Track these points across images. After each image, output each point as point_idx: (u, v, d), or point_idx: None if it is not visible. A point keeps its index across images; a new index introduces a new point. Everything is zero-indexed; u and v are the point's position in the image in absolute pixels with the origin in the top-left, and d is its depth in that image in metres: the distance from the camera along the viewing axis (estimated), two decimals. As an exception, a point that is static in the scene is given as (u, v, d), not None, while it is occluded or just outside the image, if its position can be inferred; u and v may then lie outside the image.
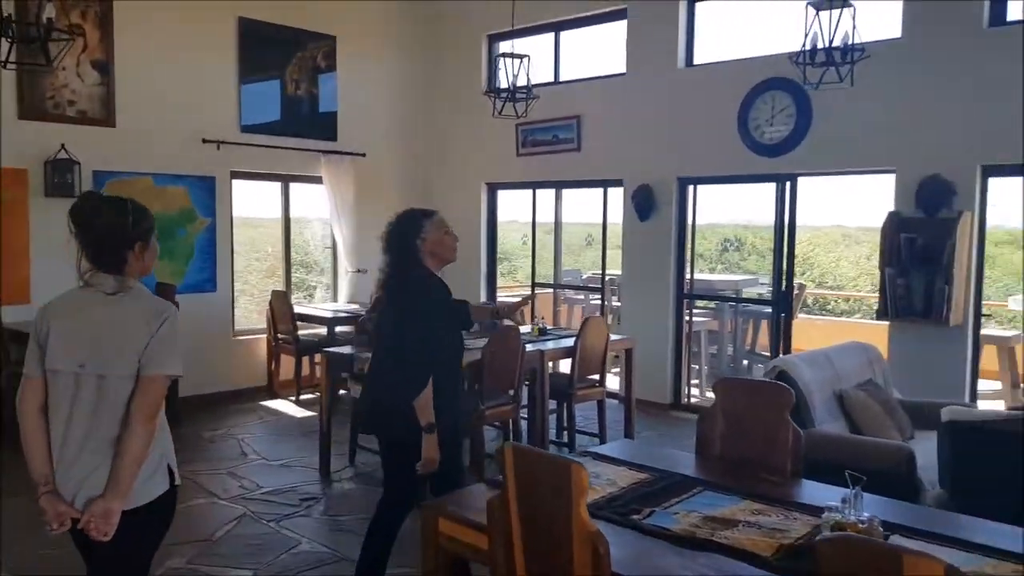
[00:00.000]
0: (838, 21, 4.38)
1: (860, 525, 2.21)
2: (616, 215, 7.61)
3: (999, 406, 6.47)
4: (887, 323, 5.93)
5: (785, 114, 6.33)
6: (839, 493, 2.73)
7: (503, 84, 6.42)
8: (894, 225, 5.75)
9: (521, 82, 6.28)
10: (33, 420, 2.26)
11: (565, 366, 5.92)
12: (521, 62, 6.34)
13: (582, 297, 9.62)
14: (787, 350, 6.50)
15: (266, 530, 4.57)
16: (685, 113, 6.98)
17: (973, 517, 2.48)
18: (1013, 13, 5.39)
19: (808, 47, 4.55)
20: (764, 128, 6.46)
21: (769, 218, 6.60)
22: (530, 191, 8.47)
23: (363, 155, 8.44)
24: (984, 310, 5.91)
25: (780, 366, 4.55)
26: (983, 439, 3.28)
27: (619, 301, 7.64)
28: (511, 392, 5.31)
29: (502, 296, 9.30)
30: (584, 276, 9.92)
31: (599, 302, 8.41)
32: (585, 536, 2.05)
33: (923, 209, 5.67)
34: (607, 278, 8.13)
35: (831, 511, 2.30)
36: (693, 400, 7.40)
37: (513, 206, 8.97)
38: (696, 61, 7.07)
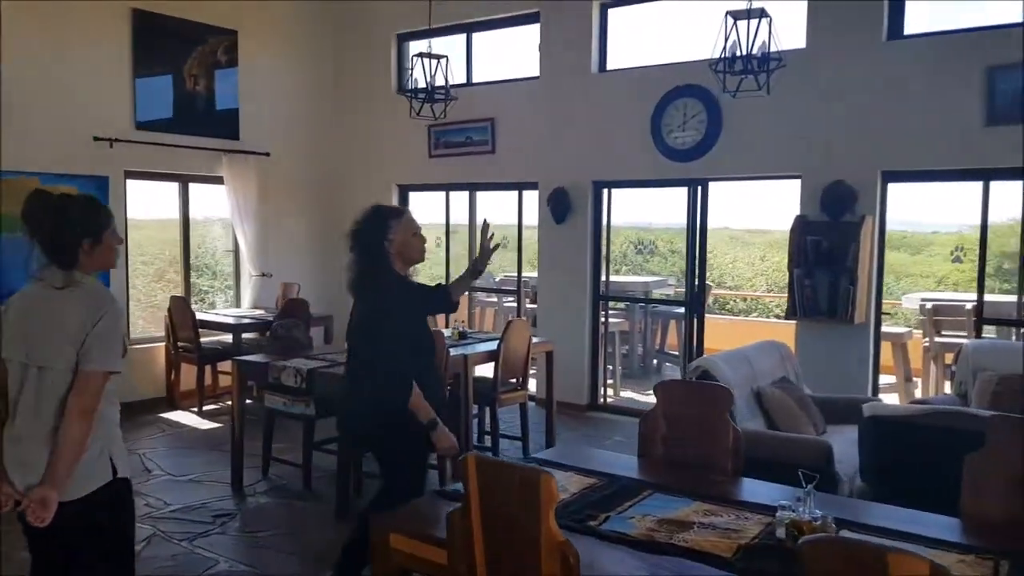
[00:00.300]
0: (756, 31, 4.51)
1: (814, 523, 2.25)
2: (532, 217, 7.61)
3: (895, 399, 6.83)
4: (793, 322, 6.15)
5: (697, 120, 6.49)
6: (780, 490, 2.80)
7: (421, 84, 6.30)
8: (801, 228, 5.98)
9: (439, 83, 6.18)
10: None
11: (483, 370, 5.86)
12: (439, 63, 6.25)
13: (495, 300, 9.59)
14: (700, 349, 6.66)
15: (179, 550, 4.31)
16: (600, 117, 7.05)
17: (917, 511, 2.57)
18: (910, 27, 5.70)
19: (727, 55, 4.66)
20: (676, 134, 6.60)
21: (681, 221, 6.75)
22: (443, 193, 8.37)
23: (267, 155, 8.15)
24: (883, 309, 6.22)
25: (703, 366, 4.64)
26: (903, 433, 3.43)
27: (535, 303, 7.65)
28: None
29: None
30: (497, 279, 9.89)
31: (514, 305, 8.40)
32: (554, 546, 2.00)
33: (828, 213, 5.91)
34: (523, 280, 8.12)
35: (784, 510, 2.34)
36: (609, 400, 7.48)
37: (426, 208, 8.85)
38: (610, 67, 7.16)
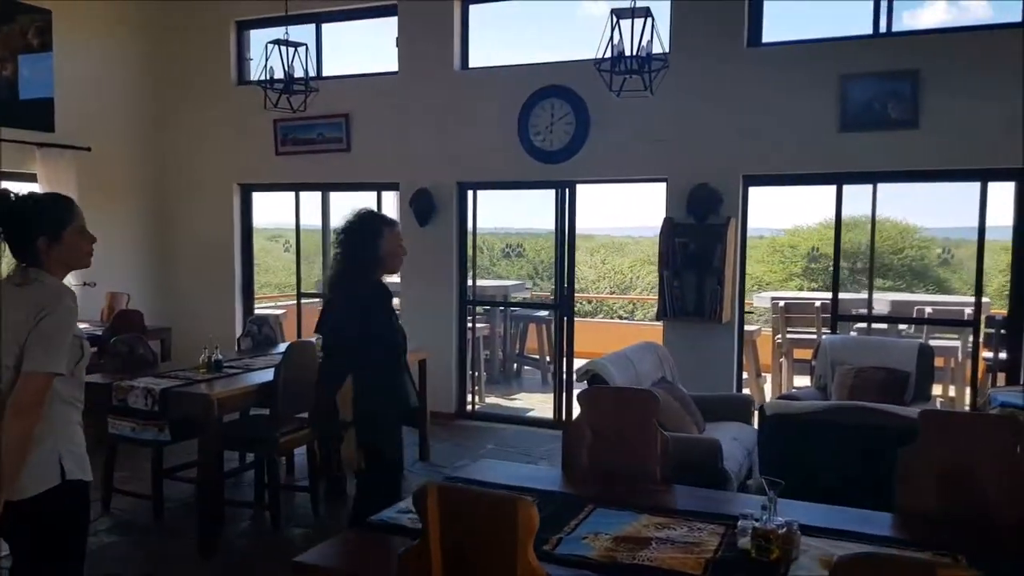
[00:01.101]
0: (642, 30, 4.48)
1: (780, 531, 2.16)
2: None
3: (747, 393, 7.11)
4: (658, 323, 6.24)
5: (564, 122, 6.44)
6: (712, 496, 2.71)
7: (278, 74, 5.80)
8: (669, 231, 6.07)
9: (297, 73, 5.73)
10: None
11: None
12: (296, 51, 5.80)
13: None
14: (571, 352, 6.61)
15: (9, 610, 3.63)
16: (464, 117, 6.84)
17: (853, 508, 2.55)
18: (769, 35, 5.93)
19: (609, 55, 4.60)
20: (544, 135, 6.52)
21: (549, 223, 6.68)
22: (292, 194, 7.83)
23: (87, 149, 7.28)
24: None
25: (593, 369, 4.55)
26: (806, 430, 3.47)
27: (399, 309, 7.27)
28: (307, 415, 4.78)
29: (261, 309, 8.53)
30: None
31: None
32: (534, 582, 1.76)
33: (694, 216, 6.03)
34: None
35: (746, 519, 2.23)
36: (477, 407, 7.27)
37: (273, 210, 8.26)
38: (473, 64, 6.97)
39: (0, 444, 2.17)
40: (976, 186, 5.41)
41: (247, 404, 4.63)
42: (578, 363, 8.28)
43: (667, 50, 4.81)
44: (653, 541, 2.28)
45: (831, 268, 5.97)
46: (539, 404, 7.73)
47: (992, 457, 2.43)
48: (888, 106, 5.47)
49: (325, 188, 7.72)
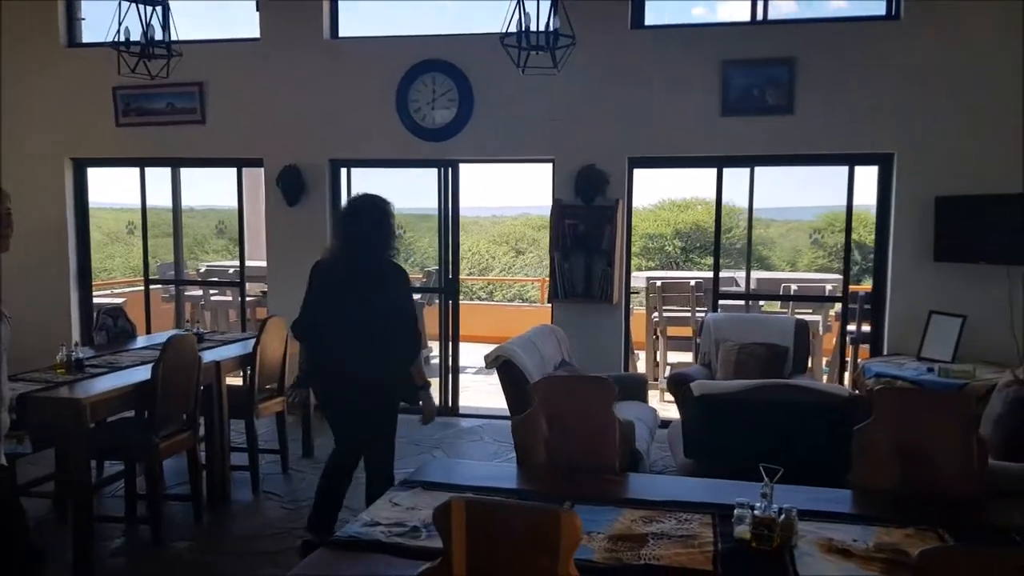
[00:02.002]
0: (550, 7, 4.34)
1: (780, 519, 2.12)
2: (257, 199, 6.75)
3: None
4: (543, 305, 6.19)
5: (447, 98, 6.20)
6: (675, 482, 2.66)
7: (130, 36, 5.14)
8: (558, 212, 6.01)
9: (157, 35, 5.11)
10: None
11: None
12: (155, 10, 5.17)
13: (200, 293, 8.42)
14: (456, 337, 6.43)
15: None
16: (335, 90, 6.43)
17: (810, 487, 2.57)
18: (651, 18, 5.97)
19: (513, 29, 4.43)
20: (425, 111, 6.25)
21: (432, 203, 6.44)
22: (137, 169, 7.07)
23: None
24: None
25: (504, 355, 4.40)
26: (732, 409, 3.51)
27: (265, 295, 6.80)
28: (185, 416, 4.30)
29: (100, 298, 7.68)
30: (202, 268, 8.68)
31: (231, 298, 7.42)
32: (578, 600, 1.59)
33: (581, 197, 6.01)
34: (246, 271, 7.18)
35: (742, 507, 2.17)
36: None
37: (114, 187, 7.43)
38: (343, 33, 6.56)
39: None
40: (844, 170, 5.74)
41: (120, 408, 4.10)
42: (467, 348, 8.13)
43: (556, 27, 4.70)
44: (649, 537, 2.17)
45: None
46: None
47: (944, 432, 2.53)
48: (766, 92, 5.67)
49: (176, 163, 7.03)
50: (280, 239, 6.66)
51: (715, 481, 2.68)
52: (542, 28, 4.37)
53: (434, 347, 7.59)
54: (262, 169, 6.67)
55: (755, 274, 8.09)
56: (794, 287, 7.03)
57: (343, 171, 6.60)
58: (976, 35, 5.35)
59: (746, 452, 3.50)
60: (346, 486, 3.78)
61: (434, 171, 6.41)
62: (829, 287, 7.30)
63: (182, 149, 6.84)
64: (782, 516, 2.12)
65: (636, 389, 5.27)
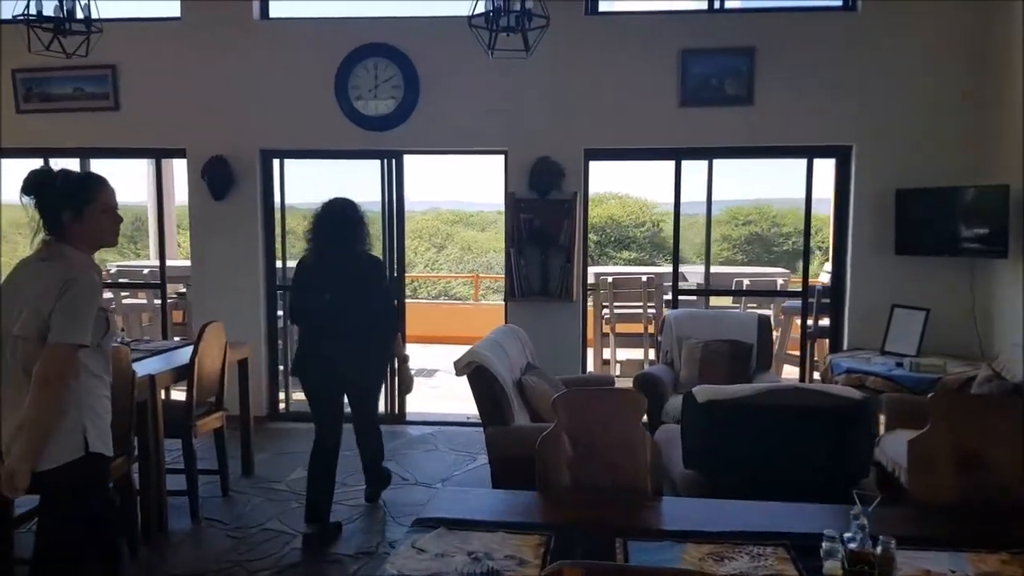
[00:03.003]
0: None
1: (877, 551, 1.89)
2: (182, 192, 6.16)
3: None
4: (494, 304, 5.89)
5: (390, 85, 5.79)
6: (719, 507, 2.42)
7: (42, 11, 4.51)
8: (512, 206, 5.71)
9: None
10: None
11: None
12: (67, -20, 4.55)
13: (110, 296, 7.66)
14: (403, 336, 6.02)
15: None
16: (266, 74, 5.92)
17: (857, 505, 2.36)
18: (607, 4, 5.74)
19: (481, 10, 4.09)
20: (367, 99, 5.82)
21: (374, 197, 6.01)
22: (40, 161, 6.33)
23: None
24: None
25: (475, 360, 4.07)
26: (740, 415, 3.30)
27: (183, 297, 6.23)
28: (119, 438, 3.78)
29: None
30: (112, 269, 7.92)
31: (145, 301, 6.77)
32: None
33: (536, 191, 5.72)
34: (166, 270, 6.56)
35: (832, 540, 1.93)
36: (286, 407, 6.43)
37: (13, 180, 6.66)
38: (275, 13, 6.04)
39: (26, 417, 2.25)
40: (803, 163, 5.66)
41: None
42: (419, 348, 7.73)
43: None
44: (728, 579, 1.91)
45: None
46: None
47: (1004, 438, 2.37)
48: (725, 83, 5.53)
49: (85, 154, 6.33)
50: (205, 236, 6.10)
51: (767, 504, 2.41)
52: (521, 6, 4.05)
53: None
54: (185, 161, 6.08)
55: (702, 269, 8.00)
56: (746, 282, 6.96)
57: (276, 162, 6.09)
58: (932, 27, 5.35)
59: (756, 460, 3.32)
60: (334, 466, 4.06)
61: (376, 163, 6.00)
62: (780, 281, 7.28)
63: (92, 138, 6.17)
64: (879, 548, 1.89)
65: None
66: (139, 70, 6.03)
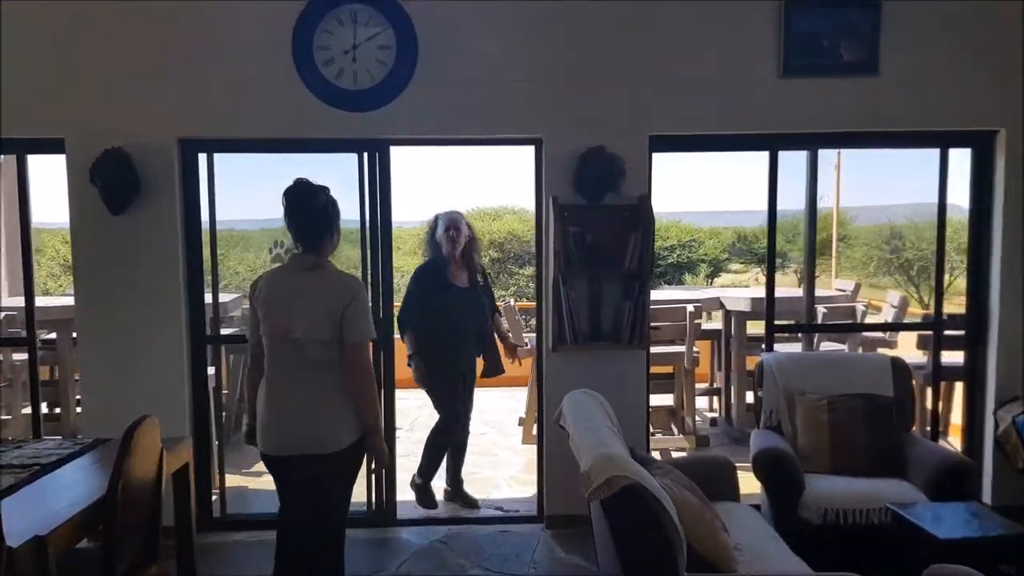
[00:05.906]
0: None
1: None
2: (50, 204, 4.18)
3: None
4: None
5: (376, 45, 4.05)
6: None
7: None
8: (559, 217, 4.08)
9: None
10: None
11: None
12: None
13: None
14: (391, 389, 4.27)
15: None
16: (188, 33, 4.07)
17: None
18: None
19: None
20: (342, 64, 4.05)
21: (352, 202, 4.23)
22: None
23: None
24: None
25: (620, 473, 2.42)
26: None
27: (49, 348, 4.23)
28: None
29: None
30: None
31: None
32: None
33: (583, 194, 4.12)
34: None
35: None
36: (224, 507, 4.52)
37: None
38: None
39: (358, 404, 2.70)
40: (918, 154, 4.34)
41: None
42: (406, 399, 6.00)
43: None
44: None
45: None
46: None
47: None
48: (840, 45, 4.12)
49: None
50: (98, 266, 4.14)
51: None
52: None
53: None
54: (63, 156, 4.11)
55: (748, 292, 6.56)
56: (823, 309, 5.51)
57: (202, 157, 4.22)
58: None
59: None
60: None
61: (353, 157, 4.23)
62: (860, 307, 5.84)
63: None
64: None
65: (724, 481, 3.50)
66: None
